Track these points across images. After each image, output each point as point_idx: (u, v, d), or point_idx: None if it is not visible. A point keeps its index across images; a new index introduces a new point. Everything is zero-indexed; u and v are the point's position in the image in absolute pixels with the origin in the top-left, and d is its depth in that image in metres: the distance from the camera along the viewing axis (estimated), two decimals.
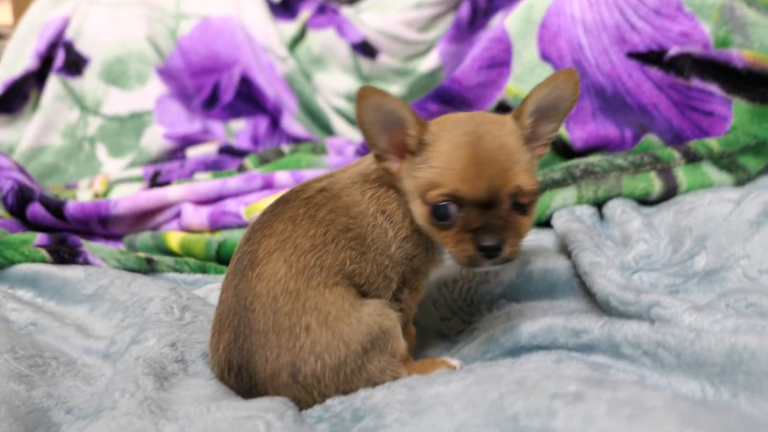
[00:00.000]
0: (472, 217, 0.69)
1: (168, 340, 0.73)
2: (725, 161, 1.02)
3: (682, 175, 1.00)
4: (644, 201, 1.01)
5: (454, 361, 0.78)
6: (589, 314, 0.74)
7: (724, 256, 0.80)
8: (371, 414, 0.59)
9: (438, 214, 0.70)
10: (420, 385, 0.60)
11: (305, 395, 0.67)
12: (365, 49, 1.97)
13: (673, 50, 1.11)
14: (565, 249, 0.93)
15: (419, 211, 0.73)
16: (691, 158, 1.02)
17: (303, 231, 0.72)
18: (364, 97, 0.70)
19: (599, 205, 1.02)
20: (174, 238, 1.28)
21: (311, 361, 0.67)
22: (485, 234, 0.68)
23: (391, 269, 0.77)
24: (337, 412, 0.63)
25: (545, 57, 1.21)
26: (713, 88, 1.08)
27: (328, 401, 0.66)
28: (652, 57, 1.14)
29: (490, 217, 0.69)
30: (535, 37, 1.23)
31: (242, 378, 0.68)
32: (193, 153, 1.93)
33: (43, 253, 1.11)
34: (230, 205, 1.34)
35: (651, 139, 1.11)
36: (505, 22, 1.31)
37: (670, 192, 1.00)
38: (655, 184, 1.00)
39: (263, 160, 1.57)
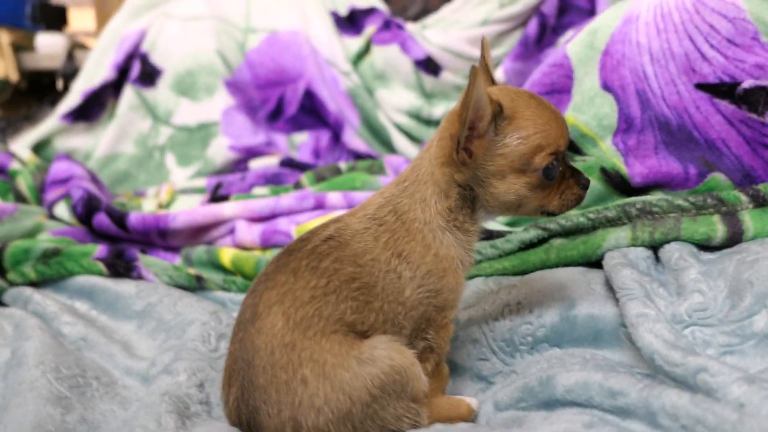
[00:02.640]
0: (563, 167, 0.77)
1: (197, 379, 0.75)
2: None
3: (748, 219, 0.93)
4: (705, 247, 0.95)
5: (473, 402, 0.78)
6: (629, 374, 0.70)
7: None
8: None
9: (549, 174, 0.75)
10: None
11: None
12: (428, 65, 1.95)
13: (747, 83, 1.03)
14: (614, 294, 0.89)
15: (519, 183, 0.74)
16: (761, 202, 0.94)
17: (304, 282, 0.71)
18: (478, 74, 0.68)
19: (656, 248, 0.96)
20: (226, 254, 1.30)
21: (312, 416, 0.66)
22: (578, 174, 0.78)
23: (404, 316, 0.75)
24: None
25: (606, 87, 1.16)
26: None
27: None
28: (723, 89, 1.06)
29: (567, 161, 0.78)
30: (597, 65, 1.18)
31: None
32: (256, 165, 1.97)
33: (101, 266, 1.16)
34: (282, 223, 1.36)
35: (718, 177, 1.04)
36: (567, 47, 1.26)
37: (735, 238, 0.93)
38: (718, 228, 0.93)
39: (319, 178, 1.59)
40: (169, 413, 0.65)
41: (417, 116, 1.97)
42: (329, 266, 0.73)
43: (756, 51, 1.04)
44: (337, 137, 2.02)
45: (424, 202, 0.77)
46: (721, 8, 1.08)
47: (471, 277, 1.07)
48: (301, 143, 2.05)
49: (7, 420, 0.67)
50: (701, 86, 1.08)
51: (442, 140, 0.77)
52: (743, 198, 0.95)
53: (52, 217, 1.55)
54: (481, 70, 0.78)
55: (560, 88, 1.27)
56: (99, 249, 1.22)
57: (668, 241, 0.94)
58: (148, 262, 1.21)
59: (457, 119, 0.73)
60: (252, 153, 1.99)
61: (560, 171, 0.76)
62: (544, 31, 1.94)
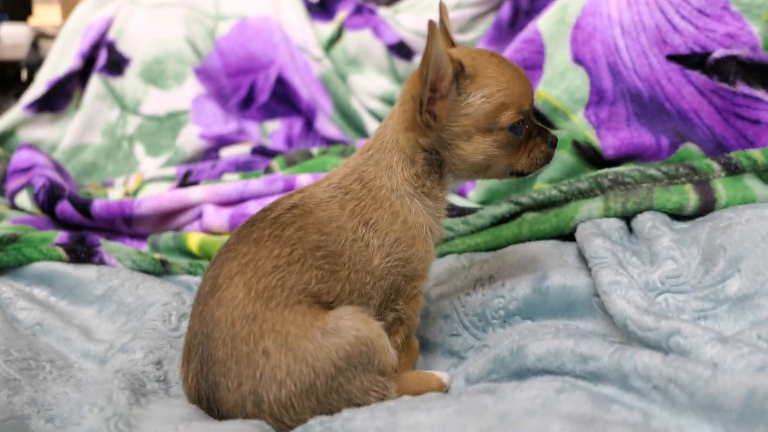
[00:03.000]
0: (530, 126, 0.75)
1: (155, 356, 0.71)
2: None
3: (721, 188, 0.92)
4: (679, 216, 0.93)
5: (444, 376, 0.74)
6: (600, 339, 0.68)
7: (760, 280, 0.72)
8: None
9: (515, 131, 0.73)
10: (402, 410, 0.56)
11: (276, 422, 0.64)
12: (401, 50, 1.92)
13: (718, 53, 1.02)
14: (587, 265, 0.87)
15: (486, 143, 0.72)
16: (732, 170, 0.93)
17: (266, 252, 0.68)
18: (435, 30, 0.65)
19: (629, 218, 0.95)
20: (194, 239, 1.27)
21: (273, 388, 0.63)
22: (546, 132, 0.76)
23: (372, 286, 0.73)
24: None
25: (578, 60, 1.14)
26: (761, 93, 0.99)
27: (310, 421, 0.63)
28: (694, 60, 1.05)
29: (533, 120, 0.76)
30: (568, 39, 1.16)
31: (211, 409, 0.65)
32: (227, 153, 1.92)
33: (61, 251, 1.12)
34: (251, 207, 1.32)
35: (690, 148, 1.03)
36: (538, 23, 1.25)
37: (708, 206, 0.91)
38: (690, 197, 0.92)
39: (290, 162, 1.55)
40: (122, 390, 0.62)
41: (390, 101, 1.94)
42: (293, 234, 0.70)
43: (726, 20, 1.03)
44: (310, 124, 1.99)
45: (390, 169, 0.75)
46: None
47: (443, 254, 1.05)
48: (274, 131, 2.02)
49: None
50: (672, 57, 1.07)
51: (404, 104, 0.75)
52: (715, 166, 0.94)
53: (13, 206, 1.51)
54: (441, 32, 0.76)
55: (532, 64, 1.25)
56: (60, 235, 1.18)
57: (641, 211, 0.93)
58: (110, 247, 1.16)
59: (418, 80, 0.70)
60: (223, 141, 1.95)
61: (527, 129, 0.75)
62: (517, 15, 1.92)
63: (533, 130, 0.76)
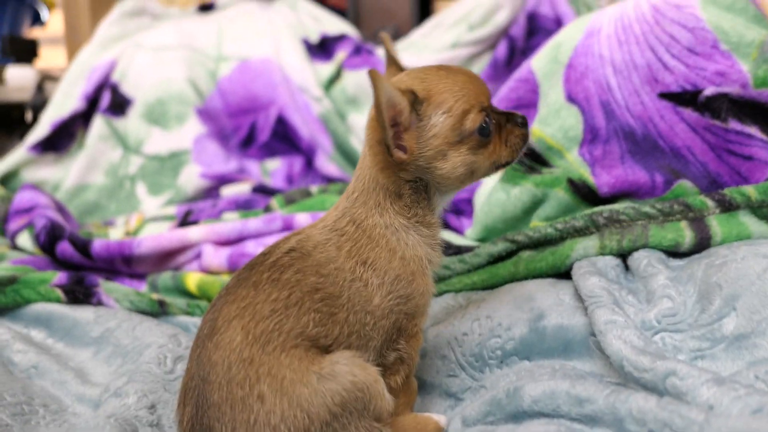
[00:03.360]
0: (496, 117, 0.76)
1: (149, 400, 0.71)
2: (765, 210, 0.93)
3: (716, 224, 0.92)
4: (675, 254, 0.93)
5: (441, 419, 0.74)
6: (596, 380, 0.68)
7: (756, 319, 0.72)
8: None
9: (484, 132, 0.74)
10: None
11: None
12: None
13: (709, 90, 1.04)
14: (583, 304, 0.87)
15: (462, 154, 0.73)
16: (727, 207, 0.93)
17: (264, 296, 0.69)
18: (378, 76, 0.66)
19: (624, 256, 0.95)
20: (192, 279, 1.27)
21: None
22: (512, 116, 0.77)
23: (372, 327, 0.72)
24: None
25: (571, 98, 1.15)
26: (753, 130, 1.00)
27: None
28: (686, 97, 1.06)
29: (496, 110, 0.77)
30: (562, 78, 1.18)
31: None
32: (228, 192, 1.94)
33: (59, 292, 1.12)
34: (249, 246, 1.33)
35: (684, 184, 1.04)
36: (532, 62, 1.27)
37: (703, 243, 0.91)
38: (685, 234, 0.92)
39: (289, 201, 1.56)
40: None
41: None
42: (291, 277, 0.71)
43: (716, 59, 1.04)
44: (310, 163, 2.01)
45: (380, 206, 0.76)
46: (680, 18, 1.09)
47: (440, 294, 1.05)
48: (274, 169, 2.04)
49: None
50: (664, 95, 1.08)
51: (371, 148, 0.76)
52: (710, 203, 0.94)
53: (14, 247, 1.51)
54: (388, 62, 0.81)
55: (526, 103, 1.27)
56: (58, 276, 1.18)
57: (636, 249, 0.93)
58: (109, 288, 1.17)
59: (378, 124, 0.71)
60: (224, 180, 1.96)
61: (494, 123, 0.76)
62: (513, 54, 1.95)
63: (500, 119, 0.77)
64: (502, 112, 0.78)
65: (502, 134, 0.77)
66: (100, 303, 1.12)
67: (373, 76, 0.66)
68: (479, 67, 1.96)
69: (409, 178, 0.75)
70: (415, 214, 0.77)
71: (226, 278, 1.26)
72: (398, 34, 2.29)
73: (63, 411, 0.80)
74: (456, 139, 0.73)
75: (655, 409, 0.56)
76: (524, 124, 0.78)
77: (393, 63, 0.82)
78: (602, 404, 0.62)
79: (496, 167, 0.78)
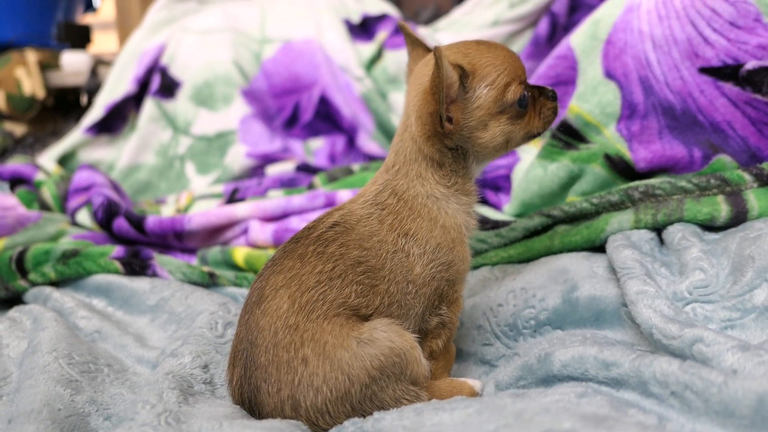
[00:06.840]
0: (531, 90, 0.81)
1: (202, 360, 0.76)
2: None
3: (753, 199, 0.92)
4: (711, 227, 0.94)
5: (476, 383, 0.77)
6: (624, 346, 0.70)
7: None
8: None
9: (522, 104, 0.79)
10: (427, 411, 0.59)
11: (313, 426, 0.68)
12: None
13: (750, 64, 1.03)
14: (616, 276, 0.88)
15: (502, 124, 0.78)
16: (765, 181, 0.93)
17: (310, 268, 0.73)
18: (442, 53, 0.70)
19: (659, 230, 0.96)
20: (240, 253, 1.33)
21: (311, 394, 0.67)
22: (544, 90, 0.83)
23: (414, 294, 0.76)
24: None
25: (609, 75, 1.16)
26: None
27: (345, 422, 0.66)
28: (726, 72, 1.06)
29: (530, 84, 0.81)
30: (600, 54, 1.18)
31: (253, 411, 0.70)
32: (272, 171, 2.00)
33: (117, 265, 1.20)
34: (294, 222, 1.38)
35: (723, 159, 1.03)
36: (571, 38, 1.27)
37: (739, 217, 0.92)
38: (721, 208, 0.93)
39: (331, 178, 1.61)
40: (172, 390, 0.67)
41: None
42: (335, 251, 0.75)
43: (758, 32, 1.03)
44: (352, 142, 2.05)
45: (421, 177, 0.79)
46: None
47: (477, 267, 1.08)
48: (317, 149, 2.09)
49: (19, 399, 0.70)
50: (705, 70, 1.08)
51: (420, 119, 0.78)
52: (747, 177, 0.94)
53: (74, 223, 1.60)
54: (413, 45, 0.86)
55: (565, 80, 1.28)
56: (116, 250, 1.26)
57: (671, 223, 0.94)
58: (163, 260, 1.24)
59: (431, 98, 0.75)
60: (269, 159, 2.02)
61: (530, 98, 0.81)
62: (555, 30, 1.94)
63: (534, 92, 0.82)
64: (535, 86, 0.82)
65: (536, 106, 0.82)
66: (154, 274, 1.19)
67: (438, 53, 0.70)
68: (520, 45, 1.96)
69: (451, 146, 0.79)
70: (455, 183, 0.80)
71: (271, 252, 1.31)
72: (439, 13, 2.30)
73: (125, 371, 0.86)
74: (497, 110, 0.78)
75: (677, 371, 0.58)
76: (554, 97, 0.83)
77: (418, 45, 0.86)
78: (628, 368, 0.64)
79: (528, 137, 0.83)
